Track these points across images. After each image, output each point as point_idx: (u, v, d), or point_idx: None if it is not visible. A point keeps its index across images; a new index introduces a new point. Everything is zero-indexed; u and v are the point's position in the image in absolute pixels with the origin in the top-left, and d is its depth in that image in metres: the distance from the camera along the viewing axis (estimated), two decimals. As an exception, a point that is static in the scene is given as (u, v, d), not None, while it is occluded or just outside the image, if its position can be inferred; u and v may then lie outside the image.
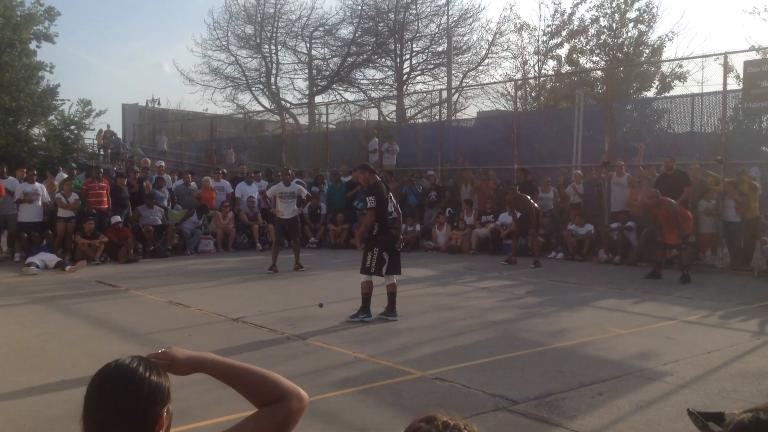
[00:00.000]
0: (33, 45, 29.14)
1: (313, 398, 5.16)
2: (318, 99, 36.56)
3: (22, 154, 26.05)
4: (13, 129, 27.51)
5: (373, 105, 30.75)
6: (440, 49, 33.59)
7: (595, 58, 25.90)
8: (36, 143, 28.93)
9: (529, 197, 13.58)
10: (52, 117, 29.46)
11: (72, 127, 29.61)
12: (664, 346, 6.79)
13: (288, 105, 37.10)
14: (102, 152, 31.44)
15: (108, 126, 32.05)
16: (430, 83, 35.18)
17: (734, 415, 1.53)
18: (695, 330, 7.70)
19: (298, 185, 13.50)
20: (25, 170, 14.75)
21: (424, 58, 35.27)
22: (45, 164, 18.40)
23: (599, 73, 23.99)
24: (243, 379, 1.74)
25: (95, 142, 33.15)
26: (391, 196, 8.36)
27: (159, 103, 41.02)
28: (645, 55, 24.85)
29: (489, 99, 29.77)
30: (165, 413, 1.61)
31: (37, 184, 14.16)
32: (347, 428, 4.65)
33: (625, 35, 25.20)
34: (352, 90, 37.29)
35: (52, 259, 12.89)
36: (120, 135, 33.60)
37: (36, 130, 29.51)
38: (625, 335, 7.33)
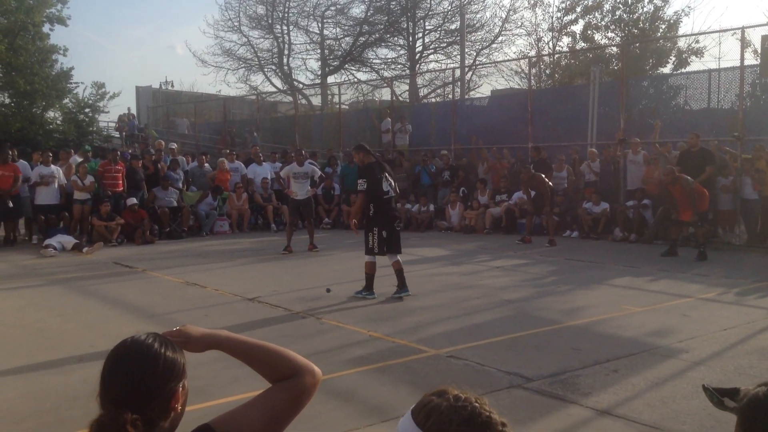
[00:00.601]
0: (46, 28, 29.23)
1: (328, 376, 5.22)
2: (330, 79, 36.45)
3: (38, 138, 26.23)
4: (28, 112, 27.68)
5: (385, 85, 30.57)
6: (453, 27, 33.30)
7: (610, 34, 25.60)
8: (51, 126, 29.09)
9: (543, 176, 13.50)
10: (66, 100, 29.61)
11: (87, 110, 29.76)
12: (679, 324, 6.77)
13: (300, 86, 37.04)
14: (118, 134, 31.61)
15: (129, 109, 32.24)
16: (443, 62, 34.94)
17: (749, 390, 1.53)
18: (711, 307, 7.66)
19: (311, 166, 13.49)
20: (40, 153, 14.86)
21: (437, 36, 34.98)
22: (60, 147, 18.49)
23: (614, 49, 23.74)
24: (257, 356, 1.75)
25: (109, 124, 33.36)
26: (386, 176, 8.33)
27: (172, 85, 41.05)
28: (661, 30, 24.50)
29: (503, 77, 29.57)
30: (180, 388, 1.62)
31: (53, 166, 14.26)
32: (363, 405, 4.68)
33: (640, 10, 24.85)
34: (364, 70, 37.15)
35: (69, 241, 13.02)
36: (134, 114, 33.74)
37: (51, 113, 29.67)
38: (641, 313, 7.30)
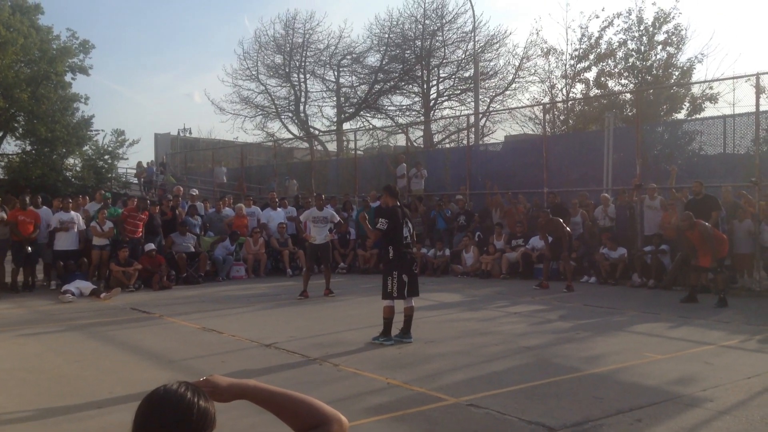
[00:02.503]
0: (68, 77, 29.99)
1: (347, 425, 5.16)
2: (346, 126, 36.92)
3: (57, 184, 26.65)
4: (48, 159, 28.22)
5: (400, 131, 30.94)
6: (467, 74, 33.73)
7: (623, 81, 25.79)
8: (71, 173, 29.56)
9: (561, 220, 13.50)
10: (86, 147, 30.17)
11: (106, 157, 30.28)
12: (702, 372, 6.66)
13: (316, 132, 37.49)
14: (136, 180, 32.09)
15: (149, 164, 32.87)
16: (458, 108, 35.32)
17: None
18: (734, 355, 7.55)
19: (330, 210, 13.56)
20: (60, 199, 15.07)
21: (451, 83, 35.41)
22: (79, 194, 18.76)
23: (628, 95, 23.89)
24: (284, 405, 1.76)
25: (128, 171, 33.95)
26: (407, 221, 8.49)
27: (190, 132, 41.77)
28: (674, 77, 24.68)
29: (517, 123, 29.76)
30: None
31: (72, 212, 14.43)
32: (382, 455, 4.62)
33: (653, 57, 25.08)
34: (379, 116, 37.60)
35: (87, 286, 13.09)
36: (152, 164, 34.34)
37: (71, 160, 30.20)
38: (662, 360, 7.20)
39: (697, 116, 22.20)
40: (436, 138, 32.95)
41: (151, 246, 14.56)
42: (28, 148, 29.05)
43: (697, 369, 6.80)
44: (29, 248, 13.60)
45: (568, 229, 13.56)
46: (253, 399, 1.77)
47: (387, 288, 8.24)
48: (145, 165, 32.47)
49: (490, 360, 7.34)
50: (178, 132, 41.06)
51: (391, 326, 8.24)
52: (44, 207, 14.89)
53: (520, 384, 6.31)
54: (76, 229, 14.29)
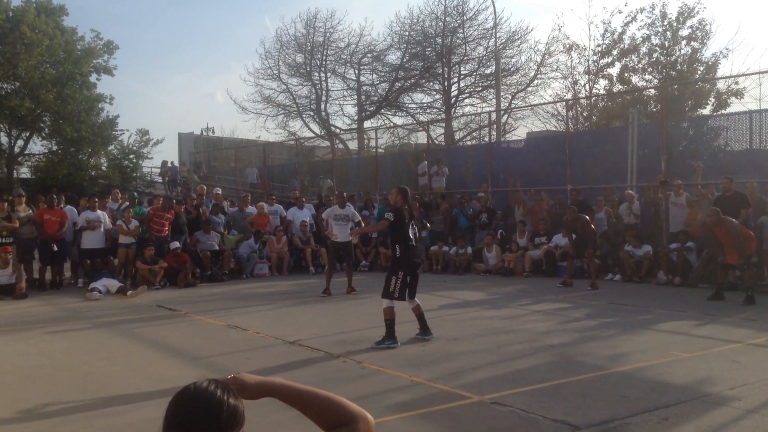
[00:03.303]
0: (93, 78, 30.34)
1: (371, 422, 5.17)
2: (367, 124, 36.99)
3: (83, 183, 27.01)
4: (74, 159, 28.60)
5: (421, 128, 30.86)
6: (488, 71, 33.59)
7: (647, 77, 25.54)
8: (96, 172, 29.92)
9: (587, 217, 13.41)
10: (111, 147, 30.50)
11: (131, 156, 30.59)
12: (730, 370, 6.58)
13: (338, 130, 37.59)
14: (161, 179, 32.43)
15: (172, 163, 33.19)
16: (479, 105, 35.19)
17: None
18: (762, 353, 7.45)
19: (352, 209, 13.60)
20: (87, 198, 15.28)
21: (472, 80, 35.30)
22: (105, 193, 19.00)
23: (652, 91, 23.65)
24: (311, 403, 1.77)
25: (152, 170, 34.32)
26: (413, 224, 8.48)
27: (213, 132, 42.11)
28: (699, 72, 24.37)
29: (539, 119, 29.57)
30: None
31: (99, 211, 14.62)
32: (407, 452, 4.63)
33: (678, 53, 24.80)
34: (400, 114, 37.59)
35: (114, 284, 13.26)
36: (177, 163, 34.66)
37: (96, 160, 30.57)
38: (689, 359, 7.13)
39: (723, 112, 21.92)
40: (457, 135, 32.87)
41: (177, 244, 14.71)
42: (55, 148, 29.47)
43: (724, 367, 6.72)
44: (55, 246, 13.80)
45: (592, 226, 13.45)
46: (280, 396, 1.78)
47: (389, 287, 8.10)
48: (169, 164, 32.80)
49: (513, 358, 7.32)
50: (201, 131, 41.46)
51: (393, 327, 8.07)
52: (68, 206, 15.10)
53: (544, 382, 6.28)
54: (102, 228, 14.46)
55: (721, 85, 23.39)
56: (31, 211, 14.10)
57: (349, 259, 13.04)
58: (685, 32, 24.46)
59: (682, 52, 24.70)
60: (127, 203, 15.67)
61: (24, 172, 30.13)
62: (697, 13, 24.16)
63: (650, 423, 5.08)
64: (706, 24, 24.22)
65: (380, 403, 5.69)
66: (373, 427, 1.79)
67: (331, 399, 1.78)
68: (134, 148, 30.66)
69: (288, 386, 1.79)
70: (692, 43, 24.37)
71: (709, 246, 12.49)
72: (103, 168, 30.30)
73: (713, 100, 23.56)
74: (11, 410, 5.65)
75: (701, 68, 24.47)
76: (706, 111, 23.26)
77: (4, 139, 29.19)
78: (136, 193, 17.35)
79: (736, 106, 22.45)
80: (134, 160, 30.94)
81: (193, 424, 1.58)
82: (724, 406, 5.47)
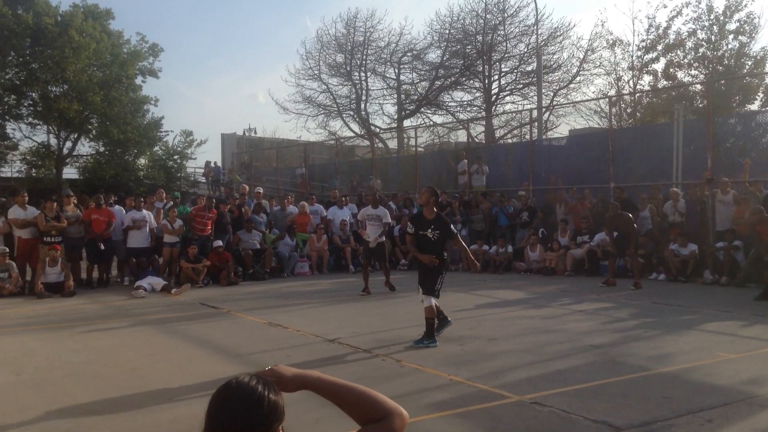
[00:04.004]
0: (138, 80, 30.96)
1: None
2: (406, 123, 36.99)
3: (130, 184, 27.60)
4: (121, 160, 29.24)
5: (461, 127, 30.75)
6: (529, 68, 33.29)
7: (693, 72, 25.00)
8: (142, 173, 30.54)
9: (630, 215, 13.19)
10: (156, 148, 31.08)
11: (175, 157, 31.13)
12: (778, 372, 6.41)
13: (377, 130, 37.67)
14: (204, 180, 32.95)
15: (215, 163, 33.72)
16: (520, 103, 34.90)
17: None
18: (813, 355, 7.23)
19: (384, 209, 13.38)
20: (133, 198, 15.61)
21: (513, 78, 35.04)
22: (150, 193, 19.39)
23: (699, 86, 23.13)
24: (348, 397, 1.79)
25: (196, 170, 34.89)
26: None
27: (255, 132, 42.63)
28: (747, 67, 23.73)
29: (581, 116, 29.20)
30: (281, 430, 1.67)
31: (144, 211, 14.92)
32: (445, 451, 4.62)
33: (725, 47, 24.22)
34: (440, 113, 37.54)
35: (158, 282, 13.53)
36: (220, 164, 35.17)
37: (142, 161, 31.21)
38: (735, 360, 6.96)
39: (773, 107, 21.32)
40: (498, 133, 32.64)
41: (219, 243, 14.93)
42: (102, 149, 30.18)
43: (772, 369, 6.55)
44: (102, 245, 14.14)
45: (635, 224, 13.22)
46: (317, 390, 1.80)
47: (436, 285, 8.20)
48: (212, 164, 33.30)
49: (554, 358, 7.24)
50: (244, 132, 42.00)
51: (434, 327, 8.13)
52: (117, 206, 15.46)
53: (585, 382, 6.20)
54: (147, 227, 14.76)
55: (770, 79, 22.77)
56: (79, 211, 14.47)
57: (384, 260, 12.93)
58: (732, 26, 23.90)
59: (730, 46, 24.15)
60: (171, 203, 15.96)
61: (72, 172, 30.92)
62: (745, 6, 23.59)
63: (694, 425, 4.98)
64: (755, 17, 23.65)
65: (418, 402, 5.70)
66: (408, 422, 1.81)
67: (368, 394, 1.80)
68: (178, 148, 31.21)
69: (325, 380, 1.82)
70: (740, 37, 23.79)
71: (757, 245, 12.17)
72: (149, 169, 30.92)
73: (762, 95, 22.94)
74: (57, 405, 5.81)
75: (749, 63, 23.85)
76: (755, 106, 22.67)
77: (53, 141, 30.02)
78: (178, 193, 17.66)
79: (786, 100, 21.86)
80: (178, 161, 31.48)
81: (234, 418, 1.62)
82: (771, 408, 5.33)
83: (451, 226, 8.48)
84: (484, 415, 5.37)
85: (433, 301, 8.12)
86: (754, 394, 5.69)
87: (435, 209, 8.37)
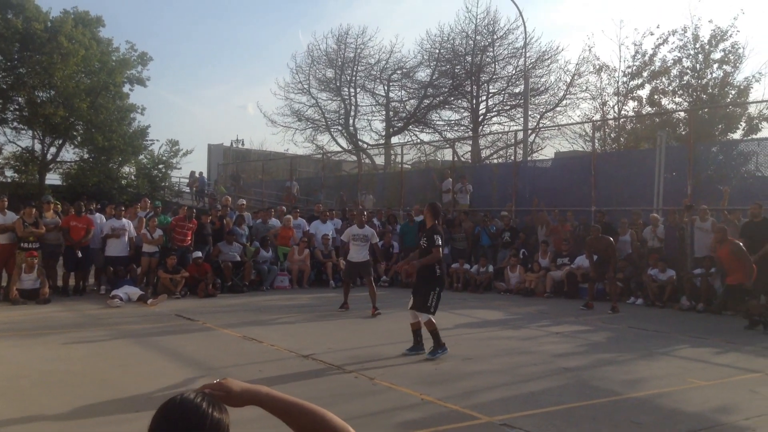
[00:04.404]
0: (126, 88, 30.87)
1: (377, 439, 5.14)
2: (394, 140, 37.04)
3: (113, 192, 27.42)
4: (105, 167, 29.06)
5: (448, 145, 30.86)
6: (517, 90, 33.55)
7: (677, 99, 25.26)
8: (125, 181, 30.37)
9: (611, 239, 13.27)
10: (141, 156, 30.93)
11: (160, 166, 30.99)
12: (747, 400, 6.44)
13: (365, 146, 37.74)
14: (188, 190, 32.78)
15: (201, 173, 33.55)
16: (507, 124, 35.14)
17: None
18: (783, 384, 7.27)
19: (371, 229, 13.16)
20: (113, 207, 15.50)
21: (501, 99, 35.28)
22: (134, 201, 19.27)
23: (682, 114, 23.39)
24: (294, 415, 1.77)
25: (181, 180, 34.72)
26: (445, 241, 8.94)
27: (243, 143, 42.56)
28: (731, 96, 24.04)
29: (566, 140, 29.40)
30: None
31: (124, 220, 14.81)
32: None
33: (709, 76, 24.49)
34: (427, 131, 37.67)
35: (135, 292, 13.40)
36: (205, 174, 35.01)
37: (126, 169, 31.03)
38: (706, 387, 6.99)
39: (754, 136, 21.60)
40: (484, 153, 32.79)
41: (199, 254, 14.84)
42: (86, 156, 29.99)
43: (741, 397, 6.58)
44: (79, 253, 14.02)
45: (615, 248, 13.30)
46: (265, 406, 1.78)
47: (428, 302, 8.38)
48: (197, 175, 33.15)
49: (527, 380, 7.24)
50: (231, 143, 41.93)
51: (439, 336, 8.38)
52: (97, 214, 15.35)
53: (556, 405, 6.20)
54: (126, 236, 14.65)
55: (752, 109, 23.06)
56: (58, 218, 14.34)
57: (370, 276, 12.43)
58: (717, 55, 24.18)
59: (714, 75, 24.41)
60: (152, 212, 15.86)
61: (55, 178, 30.70)
62: (730, 36, 23.88)
63: (660, 451, 4.99)
64: (739, 47, 23.92)
65: (388, 421, 5.68)
66: None
67: (316, 412, 1.78)
68: (164, 158, 31.07)
69: (273, 396, 1.80)
70: (724, 66, 24.06)
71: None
72: (133, 177, 30.75)
73: (744, 124, 23.21)
74: (22, 413, 5.73)
75: (733, 92, 24.14)
76: (737, 135, 22.92)
77: (38, 146, 29.82)
78: (159, 203, 17.55)
79: (767, 131, 22.14)
80: (163, 170, 31.34)
81: None
82: (738, 437, 5.35)
83: (436, 237, 8.56)
84: (453, 435, 5.35)
85: (425, 317, 8.37)
86: (722, 422, 5.72)
87: (436, 221, 8.82)
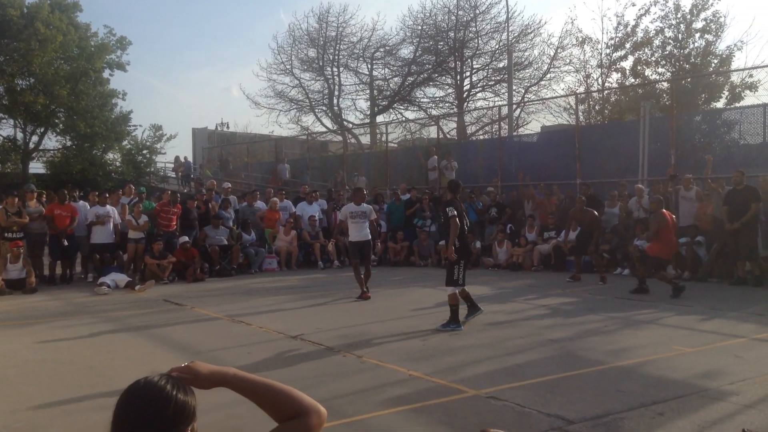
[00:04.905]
0: (106, 73, 30.58)
1: (364, 416, 5.20)
2: (379, 118, 36.96)
3: (98, 179, 27.25)
4: (88, 154, 28.87)
5: (433, 123, 30.82)
6: (501, 65, 33.48)
7: (660, 70, 25.30)
8: (110, 167, 30.17)
9: (596, 213, 13.32)
10: (125, 142, 30.73)
11: (144, 151, 30.81)
12: (731, 365, 6.52)
13: (350, 125, 37.62)
14: (174, 174, 32.59)
15: (186, 158, 33.33)
16: (491, 99, 35.10)
17: None
18: (766, 348, 7.37)
19: (369, 206, 12.41)
20: (97, 193, 15.39)
21: (485, 74, 35.20)
22: (118, 188, 19.14)
23: (665, 84, 23.42)
24: (263, 395, 1.77)
25: (166, 165, 34.50)
26: (464, 214, 9.09)
27: (227, 127, 42.27)
28: (713, 65, 24.09)
29: (551, 114, 29.42)
30: (189, 431, 1.64)
31: (108, 206, 14.71)
32: (398, 446, 4.63)
33: (691, 45, 24.53)
34: (412, 109, 37.60)
35: (122, 279, 13.36)
36: (190, 158, 34.78)
37: (110, 155, 30.82)
38: (691, 354, 7.07)
39: (737, 105, 21.67)
40: (470, 129, 32.78)
41: (185, 239, 14.79)
42: (69, 143, 29.76)
43: (726, 362, 6.66)
44: (65, 241, 13.94)
45: (600, 222, 13.38)
46: (233, 387, 1.79)
47: (454, 276, 8.78)
48: (182, 159, 32.93)
49: (513, 352, 7.30)
50: (216, 126, 41.63)
51: (458, 313, 8.67)
52: (81, 201, 15.24)
53: (542, 377, 6.26)
54: (111, 223, 14.56)
55: (735, 78, 23.14)
56: (41, 207, 14.23)
57: (368, 260, 11.79)
58: (698, 25, 24.20)
59: (696, 44, 24.45)
60: (137, 198, 15.76)
61: (38, 167, 30.47)
62: (711, 5, 23.89)
63: (645, 418, 5.05)
64: (720, 16, 23.96)
65: (376, 397, 5.70)
66: (325, 419, 1.80)
67: (284, 391, 1.79)
68: (147, 143, 30.88)
69: (241, 377, 1.80)
70: (706, 35, 24.09)
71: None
72: (117, 163, 30.56)
73: (727, 93, 23.29)
74: (9, 403, 5.72)
75: (715, 61, 24.20)
76: (720, 104, 23.01)
77: (19, 135, 29.53)
78: (144, 188, 17.45)
79: (750, 99, 22.22)
80: (147, 156, 31.14)
81: (138, 419, 1.59)
82: (721, 401, 5.42)
83: (449, 209, 8.88)
84: (441, 409, 5.39)
85: (452, 290, 8.73)
86: (707, 388, 5.79)
87: (454, 196, 9.18)
